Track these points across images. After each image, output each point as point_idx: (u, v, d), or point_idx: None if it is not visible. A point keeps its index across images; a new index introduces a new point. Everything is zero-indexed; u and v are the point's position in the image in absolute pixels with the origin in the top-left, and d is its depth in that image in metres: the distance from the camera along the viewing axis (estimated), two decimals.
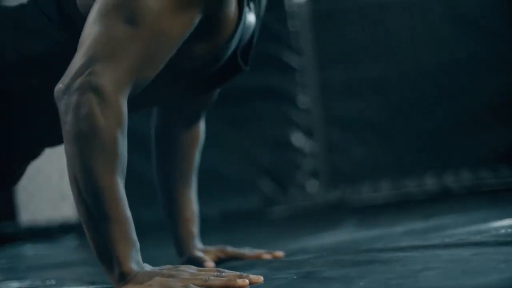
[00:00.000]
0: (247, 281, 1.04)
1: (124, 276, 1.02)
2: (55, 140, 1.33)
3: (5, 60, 1.24)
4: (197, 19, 1.12)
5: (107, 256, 1.03)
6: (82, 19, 1.15)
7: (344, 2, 3.17)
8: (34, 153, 1.39)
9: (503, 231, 1.37)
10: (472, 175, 3.02)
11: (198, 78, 1.31)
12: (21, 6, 1.30)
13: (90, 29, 1.08)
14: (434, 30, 3.13)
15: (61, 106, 1.05)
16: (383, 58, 3.14)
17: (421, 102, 3.15)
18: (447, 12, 3.13)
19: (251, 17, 1.32)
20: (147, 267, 1.04)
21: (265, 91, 3.25)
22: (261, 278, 1.07)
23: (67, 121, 1.04)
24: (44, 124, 1.28)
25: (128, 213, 1.05)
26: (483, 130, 3.05)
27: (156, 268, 1.05)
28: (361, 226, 2.27)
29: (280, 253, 1.52)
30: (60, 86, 1.06)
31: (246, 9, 1.28)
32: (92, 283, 1.44)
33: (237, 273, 1.06)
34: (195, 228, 1.57)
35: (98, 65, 1.04)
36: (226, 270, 1.06)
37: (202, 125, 1.59)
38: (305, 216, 3.08)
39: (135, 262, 1.03)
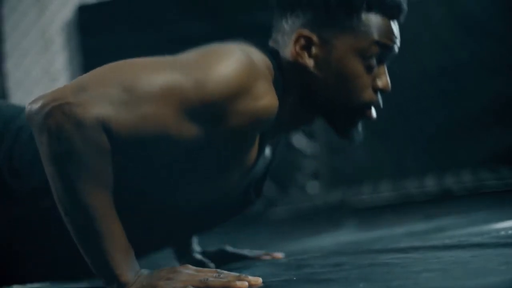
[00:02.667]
0: (246, 282, 1.04)
1: (123, 286, 1.02)
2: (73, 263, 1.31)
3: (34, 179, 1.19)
4: (199, 135, 1.07)
5: (104, 269, 1.03)
6: None
7: None
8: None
9: (503, 232, 1.37)
10: (473, 177, 3.02)
11: (208, 213, 1.26)
12: None
13: (92, 72, 1.06)
14: (435, 32, 3.13)
15: (34, 126, 1.02)
16: None
17: (421, 103, 3.15)
18: (448, 14, 3.13)
19: (268, 151, 1.30)
20: (145, 272, 1.04)
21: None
22: (260, 280, 1.07)
23: (42, 142, 1.01)
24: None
25: (117, 224, 1.03)
26: (483, 131, 3.05)
27: (154, 272, 1.04)
28: (361, 227, 2.27)
29: (279, 254, 1.52)
30: (32, 106, 1.02)
31: (266, 145, 1.24)
32: (92, 284, 1.44)
33: (236, 274, 1.06)
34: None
35: (84, 97, 1.00)
36: (224, 271, 1.06)
37: None
38: (306, 217, 3.08)
39: (132, 270, 1.03)
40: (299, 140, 3.28)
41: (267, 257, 1.50)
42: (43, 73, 3.56)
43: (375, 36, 1.23)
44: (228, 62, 1.08)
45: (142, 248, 1.15)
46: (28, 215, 1.18)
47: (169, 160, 1.11)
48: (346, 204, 3.15)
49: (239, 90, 1.07)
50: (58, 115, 0.99)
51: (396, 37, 1.27)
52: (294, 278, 1.09)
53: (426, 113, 3.14)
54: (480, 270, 0.96)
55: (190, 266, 1.07)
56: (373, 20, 1.23)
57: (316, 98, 1.24)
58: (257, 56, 1.15)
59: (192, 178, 1.15)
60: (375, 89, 1.24)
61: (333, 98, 1.23)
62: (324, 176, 3.27)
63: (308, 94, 1.24)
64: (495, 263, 1.01)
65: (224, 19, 3.20)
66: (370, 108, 1.25)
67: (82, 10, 3.53)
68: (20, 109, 1.29)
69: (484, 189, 2.93)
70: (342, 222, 2.46)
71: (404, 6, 1.28)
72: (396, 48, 1.28)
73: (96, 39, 3.34)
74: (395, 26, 1.27)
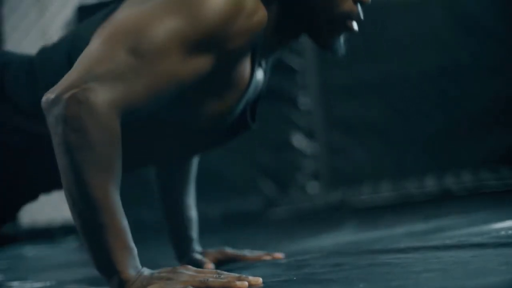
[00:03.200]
0: (246, 283, 1.04)
1: (123, 284, 1.02)
2: (51, 186, 1.35)
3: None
4: (206, 67, 1.11)
5: (105, 264, 1.03)
6: None
7: None
8: (31, 197, 1.39)
9: (503, 232, 1.37)
10: (473, 177, 3.02)
11: (205, 136, 1.30)
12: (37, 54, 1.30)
13: (93, 47, 1.07)
14: (435, 33, 3.13)
15: (50, 117, 1.03)
16: (384, 60, 3.14)
17: (422, 104, 3.15)
18: (448, 15, 3.13)
19: (260, 74, 1.31)
20: (146, 271, 1.04)
21: (266, 92, 3.25)
22: (260, 280, 1.07)
23: (57, 133, 1.02)
24: (41, 171, 1.28)
25: (124, 221, 1.04)
26: (483, 131, 3.05)
27: (155, 272, 1.05)
28: (361, 227, 2.27)
29: (280, 255, 1.52)
30: (49, 96, 1.04)
31: (257, 67, 1.27)
32: (93, 284, 1.44)
33: (236, 274, 1.06)
34: (194, 234, 1.58)
35: (93, 83, 1.02)
36: (225, 272, 1.06)
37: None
38: (306, 218, 3.08)
39: (133, 268, 1.03)
40: (299, 140, 3.28)
41: (268, 258, 1.50)
42: None
43: None
44: None
45: (135, 163, 1.23)
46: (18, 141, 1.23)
47: (173, 94, 1.13)
48: (346, 204, 3.15)
49: (232, 14, 1.10)
50: (73, 105, 1.01)
51: None
52: (294, 278, 1.09)
53: (426, 113, 3.14)
54: (480, 270, 0.96)
55: (190, 267, 1.07)
56: None
57: (298, 9, 1.25)
58: None
59: (189, 102, 1.18)
60: (355, 1, 1.25)
61: (313, 8, 1.24)
62: (324, 176, 3.27)
63: (290, 7, 1.25)
64: (495, 263, 1.01)
65: None
66: (351, 20, 1.26)
67: (82, 11, 3.52)
68: (5, 52, 1.33)
69: (484, 189, 2.93)
70: (342, 222, 2.46)
71: None
72: None
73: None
74: None
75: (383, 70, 3.13)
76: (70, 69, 1.07)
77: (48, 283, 1.65)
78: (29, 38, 3.68)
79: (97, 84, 1.02)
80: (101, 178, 1.02)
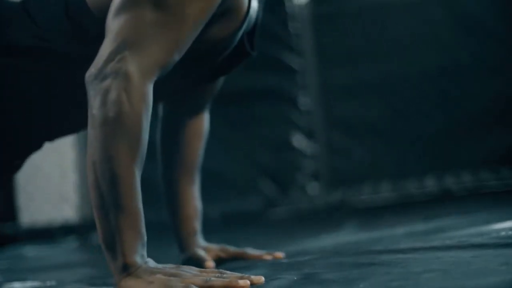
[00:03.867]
0: (248, 282, 1.04)
1: (126, 268, 1.02)
2: (55, 133, 1.35)
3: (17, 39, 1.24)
4: (218, 1, 1.13)
5: (113, 245, 1.03)
6: (91, 16, 1.18)
7: (345, 4, 3.17)
8: (34, 146, 1.39)
9: (504, 233, 1.37)
10: (473, 177, 3.02)
11: (208, 65, 1.32)
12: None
13: (118, 16, 1.09)
14: (435, 33, 3.13)
15: (91, 90, 1.06)
16: (384, 60, 3.14)
17: (422, 104, 3.15)
18: (448, 15, 3.13)
19: (254, 2, 1.33)
20: (151, 263, 1.05)
21: (266, 93, 3.25)
22: (262, 279, 1.07)
23: (94, 106, 1.05)
24: (45, 116, 1.29)
25: (140, 206, 1.05)
26: (484, 131, 3.05)
27: (159, 266, 1.05)
28: (361, 227, 2.27)
29: (280, 254, 1.52)
30: (92, 70, 1.07)
31: None
32: (93, 285, 1.44)
33: (238, 274, 1.06)
34: (197, 225, 1.57)
35: (127, 51, 1.05)
36: (227, 271, 1.07)
37: (206, 116, 1.59)
38: (306, 218, 3.08)
39: (140, 255, 1.04)
40: (299, 140, 3.28)
41: (268, 257, 1.50)
42: None
43: None
44: None
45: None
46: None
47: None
48: (346, 204, 3.15)
49: None
50: (110, 78, 1.04)
51: None
52: (295, 278, 1.09)
53: (426, 113, 3.14)
54: (481, 271, 0.96)
55: (193, 267, 1.07)
56: None
57: None
58: None
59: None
60: None
61: None
62: (324, 176, 3.27)
63: None
64: (495, 263, 1.01)
65: None
66: None
67: None
68: None
69: (484, 189, 2.93)
70: (342, 222, 2.45)
71: None
72: None
73: None
74: None
75: (383, 70, 3.13)
76: None
77: (48, 283, 1.65)
78: None
79: (131, 52, 1.05)
80: (129, 156, 1.03)
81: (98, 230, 1.06)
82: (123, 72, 1.04)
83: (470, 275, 0.94)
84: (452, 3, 3.14)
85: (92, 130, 1.05)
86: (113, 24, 1.09)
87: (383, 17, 3.14)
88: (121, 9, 1.10)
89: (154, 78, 1.08)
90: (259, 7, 1.36)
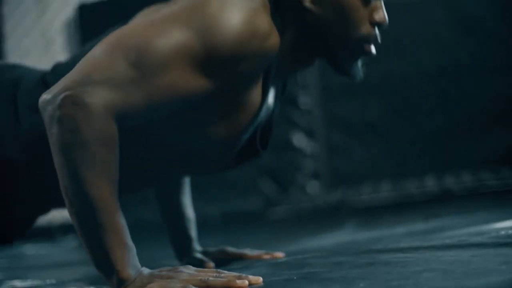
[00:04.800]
0: (246, 282, 1.04)
1: (122, 282, 1.02)
2: (50, 205, 1.35)
3: (16, 131, 1.22)
4: (211, 87, 1.09)
5: (104, 263, 1.03)
6: None
7: None
8: (42, 211, 1.39)
9: (503, 232, 1.37)
10: (473, 177, 3.02)
11: (212, 161, 1.26)
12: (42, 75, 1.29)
13: (94, 53, 1.07)
14: (436, 33, 3.13)
15: (46, 117, 1.03)
16: (384, 60, 3.13)
17: (422, 104, 3.15)
18: (448, 15, 3.13)
19: (271, 98, 1.29)
20: (145, 271, 1.04)
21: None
22: (260, 279, 1.07)
23: (52, 132, 1.02)
24: (51, 187, 1.26)
25: (121, 220, 1.04)
26: (483, 131, 3.05)
27: (155, 271, 1.05)
28: (361, 227, 2.27)
29: (280, 254, 1.52)
30: (45, 96, 1.04)
31: (270, 90, 1.25)
32: (92, 283, 1.44)
33: (236, 274, 1.06)
34: (192, 233, 1.58)
35: (90, 87, 1.02)
36: (225, 271, 1.06)
37: None
38: (306, 217, 3.08)
39: (133, 267, 1.03)
40: (299, 140, 3.28)
41: (268, 257, 1.50)
42: None
43: None
44: (228, 9, 1.08)
45: (138, 184, 1.22)
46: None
47: (175, 112, 1.12)
48: (346, 204, 3.15)
49: (245, 36, 1.07)
50: (68, 106, 1.01)
51: None
52: (295, 278, 1.09)
53: (426, 113, 3.14)
54: (480, 270, 0.96)
55: (190, 266, 1.07)
56: None
57: (314, 34, 1.22)
58: None
59: (196, 123, 1.16)
60: (372, 23, 1.23)
61: (331, 33, 1.21)
62: (324, 176, 3.27)
63: (306, 31, 1.22)
64: (495, 263, 1.01)
65: None
66: (369, 43, 1.23)
67: (82, 10, 3.53)
68: (19, 65, 1.34)
69: (484, 189, 2.93)
70: (342, 222, 2.45)
71: None
72: None
73: (97, 39, 3.34)
74: None
75: (383, 70, 3.13)
76: None
77: (48, 282, 1.65)
78: (29, 38, 3.68)
79: (94, 89, 1.02)
80: (97, 177, 1.01)
81: (87, 251, 1.05)
82: (82, 102, 1.00)
83: (470, 274, 0.94)
84: (452, 3, 3.14)
85: (56, 157, 1.03)
86: (86, 57, 1.07)
87: None
88: (101, 48, 1.07)
89: (115, 118, 1.03)
90: (276, 104, 1.32)
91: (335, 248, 1.61)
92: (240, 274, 1.06)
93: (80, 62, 1.07)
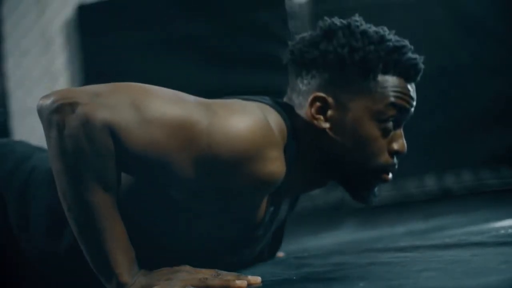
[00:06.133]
0: (245, 282, 1.04)
1: (122, 286, 1.02)
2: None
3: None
4: (197, 177, 1.05)
5: (104, 267, 1.03)
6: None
7: (345, 3, 3.17)
8: None
9: (503, 231, 1.37)
10: (473, 176, 3.02)
11: (212, 256, 1.21)
12: None
13: (106, 84, 1.06)
14: (435, 32, 3.13)
15: (44, 121, 1.03)
16: None
17: (421, 103, 3.13)
18: (448, 14, 3.13)
19: (283, 211, 1.27)
20: (145, 273, 1.04)
21: (265, 92, 3.24)
22: (259, 279, 1.07)
23: (51, 136, 1.02)
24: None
25: (120, 223, 1.04)
26: (483, 131, 3.05)
27: (154, 272, 1.04)
28: (361, 227, 2.27)
29: (279, 253, 1.52)
30: (44, 101, 1.03)
31: (279, 206, 1.22)
32: None
33: (235, 274, 1.06)
34: None
35: (91, 101, 1.01)
36: (224, 271, 1.06)
37: None
38: (306, 217, 3.08)
39: (132, 270, 1.03)
40: None
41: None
42: (43, 73, 3.56)
43: (392, 98, 1.21)
44: (245, 119, 1.05)
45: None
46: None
47: (171, 195, 1.10)
48: (346, 204, 3.14)
49: (249, 153, 1.04)
50: (67, 112, 1.01)
51: (413, 99, 1.26)
52: (294, 277, 1.09)
53: (426, 112, 3.14)
54: (480, 269, 0.96)
55: (189, 267, 1.07)
56: (389, 81, 1.22)
57: (331, 161, 1.22)
58: (273, 118, 1.13)
59: (194, 217, 1.13)
60: (391, 152, 1.22)
61: (349, 161, 1.21)
62: None
63: (323, 157, 1.22)
64: (495, 262, 1.01)
65: (224, 19, 3.20)
66: (387, 172, 1.23)
67: (82, 10, 3.52)
68: (33, 149, 1.29)
69: (484, 188, 2.93)
70: (342, 221, 2.45)
71: (421, 66, 1.27)
72: (412, 110, 1.25)
73: (96, 39, 3.34)
74: (411, 88, 1.25)
75: None
76: None
77: None
78: (29, 38, 3.68)
79: (97, 104, 1.01)
80: (95, 181, 1.01)
81: (86, 256, 1.05)
82: (83, 112, 1.00)
83: (469, 273, 0.94)
84: (452, 3, 3.14)
85: (54, 162, 1.02)
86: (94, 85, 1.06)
87: (382, 17, 3.13)
88: (113, 84, 1.06)
89: (111, 134, 1.01)
90: (285, 216, 1.31)
91: (335, 248, 1.61)
92: (239, 274, 1.06)
93: (93, 85, 1.06)
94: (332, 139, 1.20)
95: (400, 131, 1.24)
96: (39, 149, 1.34)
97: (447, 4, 3.14)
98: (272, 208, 1.19)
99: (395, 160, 1.23)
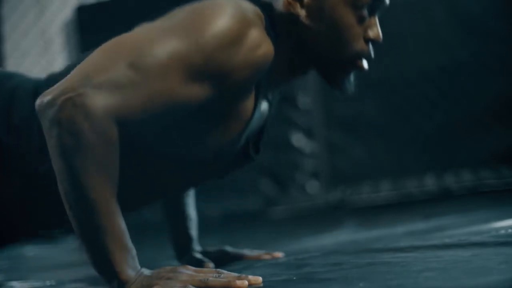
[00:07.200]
0: (246, 282, 1.04)
1: (123, 284, 1.02)
2: (49, 223, 1.30)
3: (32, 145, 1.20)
4: (205, 95, 1.09)
5: (104, 266, 1.03)
6: None
7: None
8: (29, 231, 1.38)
9: (503, 231, 1.37)
10: (473, 176, 3.02)
11: (206, 167, 1.26)
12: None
13: (93, 56, 1.07)
14: (435, 31, 3.13)
15: (44, 119, 1.03)
16: (383, 59, 3.13)
17: (421, 103, 3.15)
18: (448, 14, 3.13)
19: (264, 106, 1.29)
20: (145, 272, 1.04)
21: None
22: (260, 279, 1.07)
23: (52, 136, 1.02)
24: (41, 209, 1.24)
25: (121, 223, 1.04)
26: (483, 130, 3.05)
27: (154, 271, 1.04)
28: (361, 226, 2.27)
29: (279, 254, 1.52)
30: (44, 98, 1.03)
31: (263, 99, 1.25)
32: (93, 284, 1.44)
33: (236, 274, 1.06)
34: (193, 233, 1.58)
35: (90, 89, 1.01)
36: (224, 271, 1.06)
37: None
38: (306, 217, 3.08)
39: (132, 269, 1.03)
40: (298, 139, 3.28)
41: (267, 257, 1.50)
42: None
43: None
44: (222, 18, 1.10)
45: (138, 201, 1.21)
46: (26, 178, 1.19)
47: (171, 120, 1.12)
48: (346, 204, 3.15)
49: (233, 42, 1.09)
50: (68, 108, 1.00)
51: None
52: (294, 278, 1.09)
53: (426, 112, 3.14)
54: (480, 269, 0.96)
55: (190, 266, 1.07)
56: None
57: (308, 48, 1.24)
58: (248, 8, 1.16)
59: (191, 132, 1.16)
60: (367, 40, 1.24)
61: (325, 48, 1.23)
62: (324, 175, 3.27)
63: (300, 45, 1.24)
64: (495, 262, 1.01)
65: None
66: (362, 59, 1.25)
67: (81, 10, 3.53)
68: (15, 74, 1.31)
69: (484, 188, 2.93)
70: (342, 221, 2.46)
71: None
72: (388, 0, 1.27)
73: (96, 39, 3.34)
74: None
75: (383, 69, 3.13)
76: None
77: (48, 283, 1.65)
78: (29, 39, 3.68)
79: (94, 90, 1.01)
80: (97, 180, 1.01)
81: (86, 254, 1.05)
82: (82, 104, 1.00)
83: (469, 273, 0.94)
84: (452, 3, 3.14)
85: (56, 161, 1.02)
86: (86, 59, 1.07)
87: (382, 16, 3.14)
88: (101, 50, 1.08)
89: (115, 120, 1.02)
90: (269, 112, 1.32)
91: (335, 248, 1.61)
92: (240, 274, 1.06)
93: (80, 64, 1.07)
94: (308, 27, 1.22)
95: (375, 19, 1.26)
96: (21, 74, 1.35)
97: (448, 3, 3.14)
98: (258, 104, 1.22)
99: (371, 47, 1.24)
